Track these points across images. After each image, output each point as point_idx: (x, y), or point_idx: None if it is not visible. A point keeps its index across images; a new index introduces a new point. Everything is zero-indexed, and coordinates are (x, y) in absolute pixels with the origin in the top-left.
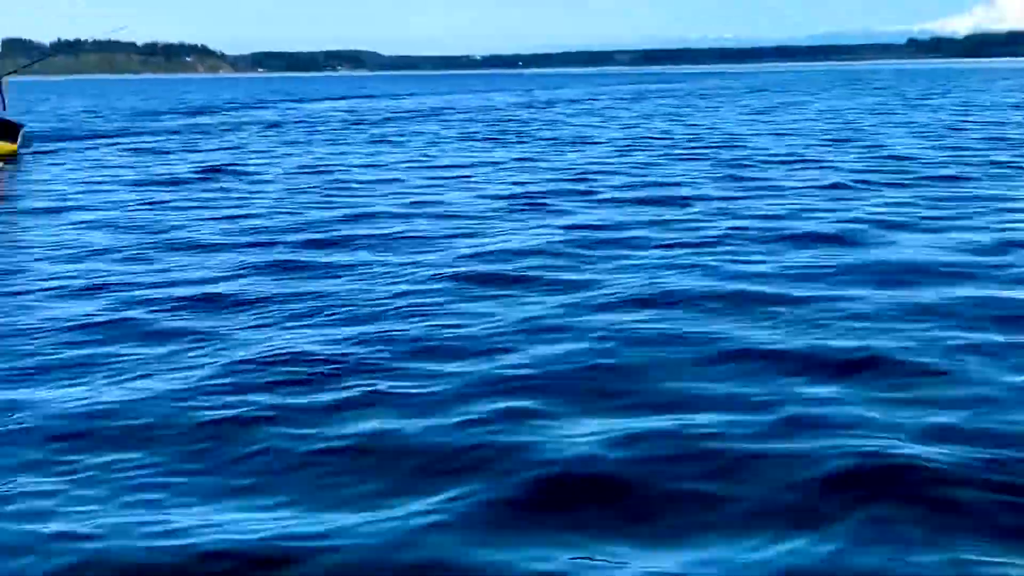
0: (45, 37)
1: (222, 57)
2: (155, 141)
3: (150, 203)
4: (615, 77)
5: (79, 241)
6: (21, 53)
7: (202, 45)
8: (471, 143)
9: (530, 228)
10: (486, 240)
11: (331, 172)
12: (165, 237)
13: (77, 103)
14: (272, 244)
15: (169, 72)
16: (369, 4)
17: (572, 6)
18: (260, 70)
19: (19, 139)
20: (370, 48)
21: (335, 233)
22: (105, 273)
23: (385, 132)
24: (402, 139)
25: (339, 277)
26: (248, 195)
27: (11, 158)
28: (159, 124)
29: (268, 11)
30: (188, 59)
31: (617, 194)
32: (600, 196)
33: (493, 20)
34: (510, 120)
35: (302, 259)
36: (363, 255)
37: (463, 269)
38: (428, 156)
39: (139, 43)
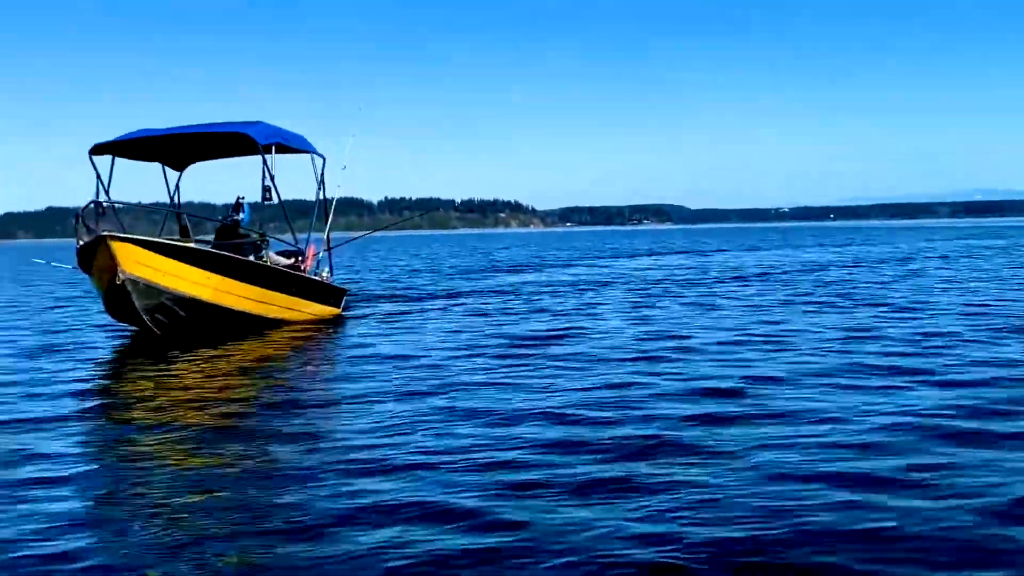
0: (373, 196)
1: (532, 212)
2: (478, 301)
3: (490, 378)
4: (938, 231)
5: (414, 440)
6: (353, 211)
7: (515, 201)
8: (802, 309)
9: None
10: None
11: (668, 341)
12: (521, 432)
13: (400, 259)
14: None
15: (483, 227)
16: (674, 158)
17: (881, 156)
18: (568, 224)
19: (343, 303)
20: (675, 201)
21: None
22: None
23: (705, 293)
24: (724, 302)
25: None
26: (592, 366)
27: (335, 320)
28: (479, 283)
29: (575, 168)
30: (502, 215)
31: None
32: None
33: (799, 172)
34: (838, 280)
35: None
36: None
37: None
38: (754, 329)
39: (457, 200)
